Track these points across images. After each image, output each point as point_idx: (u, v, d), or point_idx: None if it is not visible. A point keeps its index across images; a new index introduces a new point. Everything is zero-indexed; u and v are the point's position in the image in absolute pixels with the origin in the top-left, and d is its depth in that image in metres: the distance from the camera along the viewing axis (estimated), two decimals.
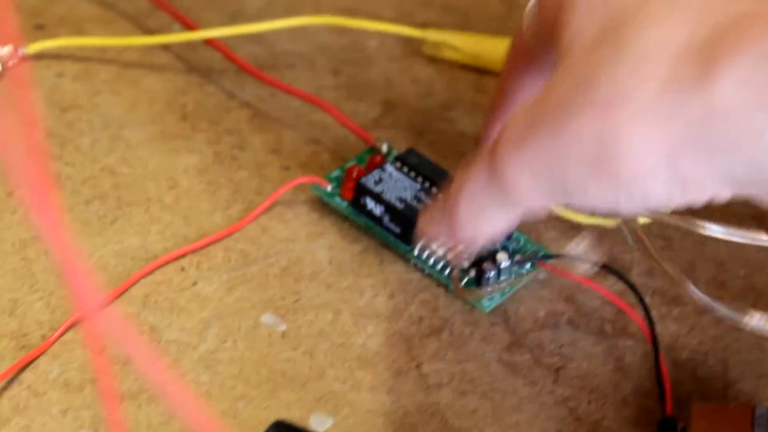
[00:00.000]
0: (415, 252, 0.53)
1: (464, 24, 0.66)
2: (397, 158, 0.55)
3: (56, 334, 0.49)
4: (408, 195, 0.53)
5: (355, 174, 0.53)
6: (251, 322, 0.53)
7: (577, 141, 0.41)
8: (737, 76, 0.38)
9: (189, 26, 0.63)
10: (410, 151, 0.55)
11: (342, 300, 0.53)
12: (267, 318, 0.53)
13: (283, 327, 0.53)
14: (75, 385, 0.48)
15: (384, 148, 0.56)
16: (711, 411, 0.50)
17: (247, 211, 0.54)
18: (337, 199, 0.54)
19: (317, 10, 0.65)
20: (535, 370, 0.52)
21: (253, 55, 0.63)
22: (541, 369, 0.52)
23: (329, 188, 0.54)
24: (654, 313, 0.53)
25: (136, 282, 0.53)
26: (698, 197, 0.39)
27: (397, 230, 0.52)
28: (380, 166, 0.53)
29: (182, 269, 0.53)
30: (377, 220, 0.53)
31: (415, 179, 0.54)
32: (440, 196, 0.49)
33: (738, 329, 0.55)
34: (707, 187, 0.39)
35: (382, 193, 0.52)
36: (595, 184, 0.41)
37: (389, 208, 0.52)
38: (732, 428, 0.49)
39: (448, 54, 0.64)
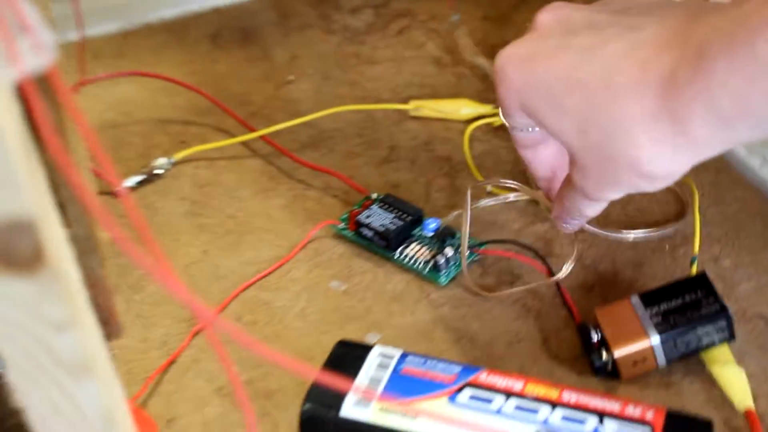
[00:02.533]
0: (396, 255, 0.66)
1: (432, 94, 0.81)
2: (381, 200, 0.67)
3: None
4: (386, 223, 0.66)
5: (354, 214, 0.67)
6: (324, 287, 0.66)
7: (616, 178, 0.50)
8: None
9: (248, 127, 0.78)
10: (387, 196, 0.68)
11: (371, 272, 0.67)
12: (334, 284, 0.66)
13: (344, 287, 0.66)
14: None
15: (374, 195, 0.68)
16: (608, 309, 0.58)
17: (307, 231, 0.69)
18: (346, 231, 0.67)
19: (342, 101, 0.79)
20: (493, 299, 0.64)
21: (309, 135, 0.78)
22: (488, 300, 0.64)
23: (341, 225, 0.67)
24: (555, 262, 0.65)
25: (257, 276, 0.66)
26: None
27: (382, 243, 0.66)
28: (370, 206, 0.67)
29: (282, 267, 0.67)
30: (370, 238, 0.66)
31: (390, 212, 0.67)
32: (558, 208, 0.58)
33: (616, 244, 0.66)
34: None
35: (370, 223, 0.66)
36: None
37: (375, 231, 0.66)
38: (623, 315, 0.58)
39: (425, 113, 0.78)
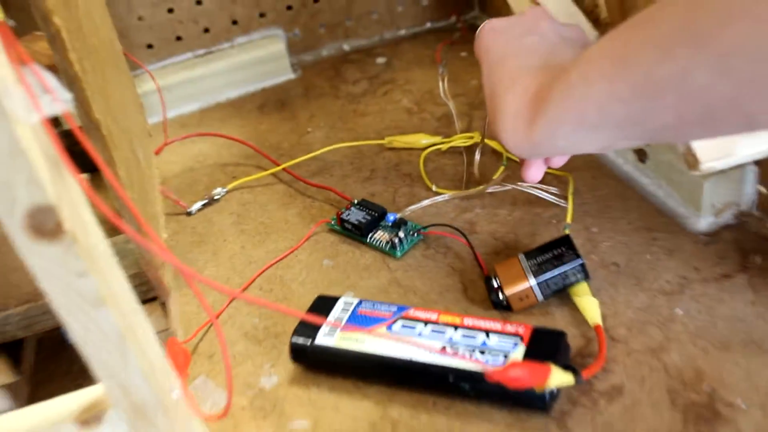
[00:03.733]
0: (368, 240, 0.69)
1: (403, 132, 0.84)
2: (358, 204, 0.71)
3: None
4: (360, 218, 0.69)
5: (339, 214, 0.70)
6: (319, 264, 0.68)
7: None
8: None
9: (276, 163, 0.81)
10: (362, 200, 0.71)
11: (351, 252, 0.69)
12: (325, 261, 0.69)
13: (332, 263, 0.68)
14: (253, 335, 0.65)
15: (354, 201, 0.71)
16: (503, 264, 0.60)
17: (310, 228, 0.72)
18: (335, 226, 0.71)
19: (340, 138, 0.84)
20: (431, 264, 0.66)
21: (318, 165, 0.81)
22: (434, 261, 0.66)
23: (332, 222, 0.71)
24: (475, 238, 0.67)
25: (275, 260, 0.69)
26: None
27: (357, 233, 0.69)
28: (349, 208, 0.70)
29: (293, 253, 0.70)
30: (350, 230, 0.69)
31: (363, 211, 0.70)
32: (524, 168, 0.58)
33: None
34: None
35: (349, 218, 0.69)
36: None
37: (353, 224, 0.69)
38: (513, 267, 0.60)
39: (395, 144, 0.82)
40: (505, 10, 0.94)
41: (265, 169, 0.82)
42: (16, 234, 0.36)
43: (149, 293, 0.54)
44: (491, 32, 0.56)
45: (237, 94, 0.98)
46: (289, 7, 0.98)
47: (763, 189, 0.64)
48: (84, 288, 0.38)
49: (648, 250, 0.64)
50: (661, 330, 0.57)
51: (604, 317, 0.59)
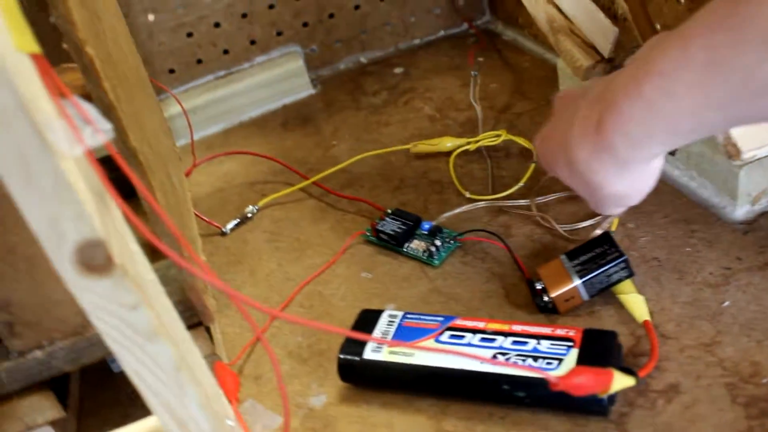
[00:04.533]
0: (404, 249, 0.66)
1: (429, 137, 0.80)
2: (392, 213, 0.68)
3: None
4: (396, 228, 0.67)
5: (374, 225, 0.68)
6: (357, 277, 0.66)
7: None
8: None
9: (305, 177, 0.78)
10: (396, 209, 0.68)
11: (388, 263, 0.67)
12: (364, 274, 0.66)
13: (370, 275, 0.66)
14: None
15: (388, 210, 0.69)
16: (545, 266, 0.58)
17: (345, 241, 0.69)
18: (371, 237, 0.68)
19: (366, 149, 0.81)
20: (470, 271, 0.63)
21: (346, 178, 0.78)
22: (473, 267, 0.63)
23: (367, 234, 0.68)
24: (512, 241, 0.64)
25: (312, 275, 0.67)
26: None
27: (393, 243, 0.66)
28: (384, 218, 0.68)
29: (330, 268, 0.68)
30: (386, 240, 0.67)
31: (398, 221, 0.68)
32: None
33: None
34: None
35: (385, 229, 0.67)
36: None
37: (388, 234, 0.67)
38: (556, 268, 0.57)
39: (420, 149, 0.79)
40: (516, 13, 0.92)
41: (294, 185, 0.79)
42: (64, 270, 0.34)
43: (193, 318, 0.51)
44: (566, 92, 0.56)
45: (259, 113, 0.95)
46: (305, 24, 0.95)
47: None
48: (137, 321, 0.36)
49: (687, 242, 0.62)
50: (711, 323, 0.54)
51: (651, 314, 0.56)
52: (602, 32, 0.65)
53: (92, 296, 0.35)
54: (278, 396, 0.57)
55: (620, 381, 0.44)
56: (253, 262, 0.71)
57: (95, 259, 0.34)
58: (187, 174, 0.83)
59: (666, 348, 0.53)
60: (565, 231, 0.64)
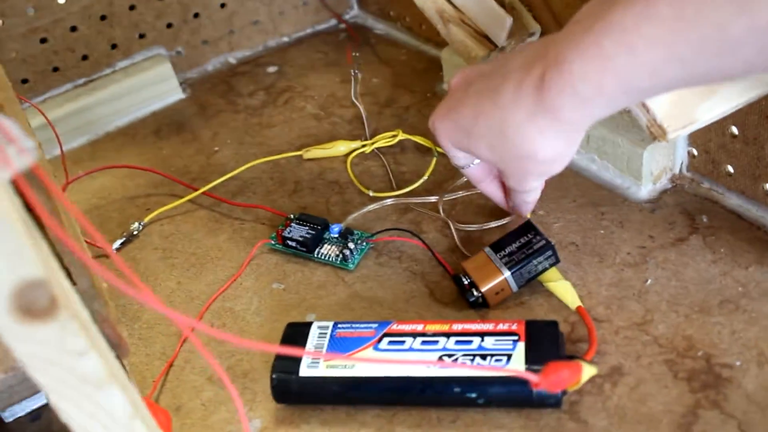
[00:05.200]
0: (315, 255, 0.62)
1: (317, 140, 0.78)
2: (297, 218, 0.64)
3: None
4: (303, 233, 0.63)
5: (279, 232, 0.63)
6: (268, 288, 0.61)
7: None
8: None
9: (192, 188, 0.72)
10: (301, 214, 0.65)
11: (300, 271, 0.62)
12: (275, 285, 0.62)
13: (282, 286, 0.62)
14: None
15: (292, 216, 0.64)
16: (471, 260, 0.56)
17: (249, 252, 0.64)
18: (276, 245, 0.64)
19: (255, 158, 0.76)
20: (389, 272, 0.60)
21: (236, 185, 0.73)
22: (391, 267, 0.61)
23: (272, 242, 0.64)
24: (425, 237, 0.62)
25: (219, 291, 0.62)
26: None
27: (303, 249, 0.62)
28: (290, 224, 0.64)
29: (236, 281, 0.63)
30: (294, 247, 0.63)
31: (304, 226, 0.64)
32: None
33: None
34: None
35: (292, 235, 0.63)
36: None
37: (297, 241, 0.63)
38: (482, 262, 0.55)
39: (313, 155, 0.75)
40: (388, 7, 0.90)
41: (181, 197, 0.73)
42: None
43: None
44: (465, 69, 0.52)
45: (127, 121, 0.88)
46: (170, 25, 0.89)
47: (693, 150, 0.63)
48: (85, 369, 0.31)
49: (599, 225, 0.62)
50: (639, 303, 0.54)
51: (580, 299, 0.55)
52: (496, 21, 0.64)
53: (33, 346, 0.29)
54: (205, 427, 0.52)
55: (588, 371, 0.43)
56: (149, 283, 0.64)
57: (37, 302, 0.28)
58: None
59: (601, 332, 0.53)
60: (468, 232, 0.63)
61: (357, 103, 0.81)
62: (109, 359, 0.32)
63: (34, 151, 0.29)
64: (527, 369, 0.46)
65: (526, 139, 0.45)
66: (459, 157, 0.53)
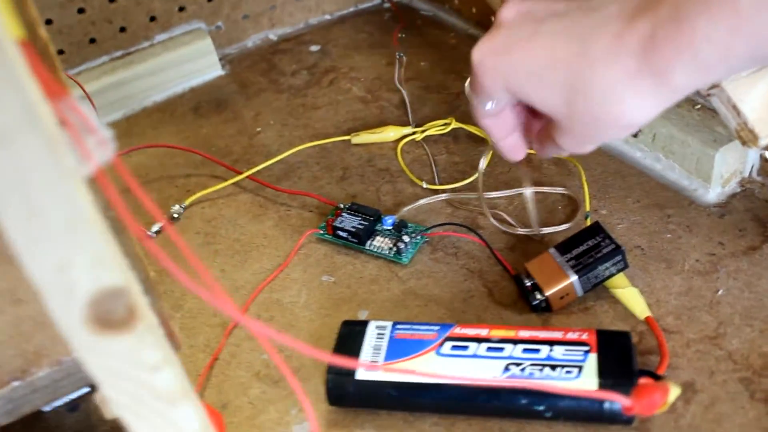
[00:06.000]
0: (367, 247, 0.60)
1: (364, 124, 0.75)
2: (348, 208, 0.61)
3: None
4: (355, 224, 0.60)
5: (330, 221, 0.61)
6: (317, 281, 0.59)
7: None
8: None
9: (236, 170, 0.69)
10: (352, 203, 0.62)
11: (350, 263, 0.60)
12: (324, 277, 0.59)
13: (333, 279, 0.59)
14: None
15: (342, 205, 0.62)
16: (534, 261, 0.54)
17: (296, 241, 0.62)
18: (326, 235, 0.61)
19: (300, 140, 0.73)
20: (445, 268, 0.58)
21: (281, 169, 0.70)
22: (447, 264, 0.58)
23: (321, 232, 0.61)
24: (482, 234, 0.59)
25: (265, 282, 0.59)
26: None
27: (354, 240, 0.60)
28: (340, 214, 0.61)
29: (283, 272, 0.60)
30: (345, 238, 0.60)
31: (356, 216, 0.61)
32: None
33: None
34: None
35: (343, 225, 0.60)
36: None
37: (349, 232, 0.60)
38: (547, 264, 0.53)
39: (362, 140, 0.72)
40: None
41: (223, 178, 0.70)
42: (72, 329, 0.26)
43: None
44: (525, 2, 0.44)
45: (165, 97, 0.85)
46: None
47: (766, 153, 0.60)
48: (159, 384, 0.28)
49: (666, 228, 0.59)
50: (710, 314, 0.52)
51: (648, 306, 0.52)
52: None
53: (106, 359, 0.26)
54: (252, 427, 0.49)
55: (674, 392, 0.40)
56: (191, 270, 0.61)
57: (114, 312, 0.26)
58: None
59: (671, 343, 0.50)
60: (527, 232, 0.60)
61: (401, 88, 0.78)
62: (181, 373, 0.29)
63: (114, 143, 0.27)
64: (601, 384, 0.43)
65: (615, 101, 0.39)
66: (501, 103, 0.44)
